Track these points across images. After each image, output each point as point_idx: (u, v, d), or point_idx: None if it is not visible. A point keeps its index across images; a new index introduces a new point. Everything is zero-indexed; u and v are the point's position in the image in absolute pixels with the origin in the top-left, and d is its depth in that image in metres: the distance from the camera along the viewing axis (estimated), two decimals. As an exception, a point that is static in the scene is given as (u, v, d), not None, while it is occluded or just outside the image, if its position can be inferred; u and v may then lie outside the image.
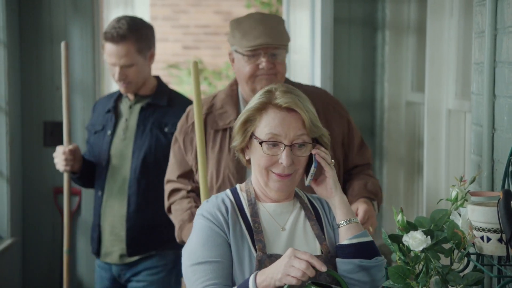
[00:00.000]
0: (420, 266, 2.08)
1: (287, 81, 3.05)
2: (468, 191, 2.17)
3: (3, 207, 4.02)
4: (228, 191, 2.20)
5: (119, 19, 3.44)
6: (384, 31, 4.41)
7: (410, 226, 2.10)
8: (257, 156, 2.11)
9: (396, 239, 2.10)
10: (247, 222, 2.12)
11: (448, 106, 3.59)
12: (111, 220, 3.46)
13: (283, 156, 2.08)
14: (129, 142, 3.46)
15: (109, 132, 3.50)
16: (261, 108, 2.12)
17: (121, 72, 3.40)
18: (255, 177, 2.17)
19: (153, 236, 3.44)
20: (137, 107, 3.50)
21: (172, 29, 8.66)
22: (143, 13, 8.67)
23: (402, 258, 2.08)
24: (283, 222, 2.15)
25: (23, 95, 4.26)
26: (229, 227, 2.09)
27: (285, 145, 2.08)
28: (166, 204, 3.09)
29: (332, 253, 2.12)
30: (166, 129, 3.44)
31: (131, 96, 3.52)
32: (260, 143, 2.09)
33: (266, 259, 2.05)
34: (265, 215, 2.14)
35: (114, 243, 3.46)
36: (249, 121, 2.13)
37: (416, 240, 2.03)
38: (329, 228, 2.17)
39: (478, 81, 2.57)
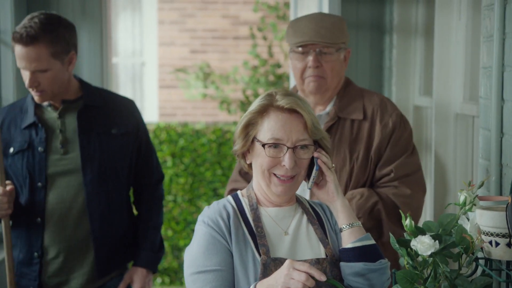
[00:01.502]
0: (428, 271, 2.08)
1: (348, 81, 3.01)
2: (476, 195, 2.17)
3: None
4: (229, 197, 2.20)
5: (32, 17, 2.92)
6: (392, 34, 4.41)
7: (418, 231, 2.10)
8: (260, 159, 2.11)
9: (404, 243, 2.09)
10: (250, 227, 2.11)
11: (456, 110, 3.58)
12: (65, 246, 3.02)
13: (286, 159, 2.08)
14: (74, 156, 3.02)
15: (40, 149, 3.00)
16: (263, 111, 2.11)
17: (32, 78, 2.90)
18: (257, 181, 2.16)
19: (124, 248, 3.14)
20: (71, 115, 3.04)
21: (179, 33, 8.66)
22: (150, 17, 8.70)
23: (410, 262, 2.08)
24: (286, 227, 2.15)
25: (31, 98, 4.26)
26: (230, 233, 2.09)
27: (288, 147, 2.08)
28: None
29: (337, 257, 2.12)
30: (113, 131, 3.08)
31: (57, 104, 3.04)
32: (263, 145, 2.09)
33: (271, 262, 2.05)
34: (267, 220, 2.14)
35: (73, 270, 3.05)
36: (250, 125, 2.13)
37: (424, 245, 2.03)
38: (332, 233, 2.18)
39: (486, 85, 2.57)
